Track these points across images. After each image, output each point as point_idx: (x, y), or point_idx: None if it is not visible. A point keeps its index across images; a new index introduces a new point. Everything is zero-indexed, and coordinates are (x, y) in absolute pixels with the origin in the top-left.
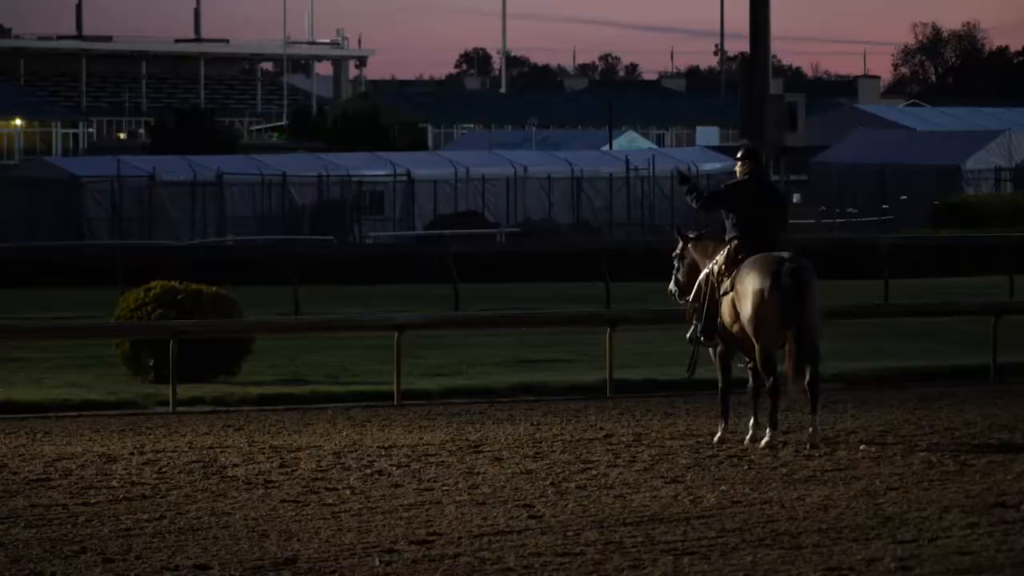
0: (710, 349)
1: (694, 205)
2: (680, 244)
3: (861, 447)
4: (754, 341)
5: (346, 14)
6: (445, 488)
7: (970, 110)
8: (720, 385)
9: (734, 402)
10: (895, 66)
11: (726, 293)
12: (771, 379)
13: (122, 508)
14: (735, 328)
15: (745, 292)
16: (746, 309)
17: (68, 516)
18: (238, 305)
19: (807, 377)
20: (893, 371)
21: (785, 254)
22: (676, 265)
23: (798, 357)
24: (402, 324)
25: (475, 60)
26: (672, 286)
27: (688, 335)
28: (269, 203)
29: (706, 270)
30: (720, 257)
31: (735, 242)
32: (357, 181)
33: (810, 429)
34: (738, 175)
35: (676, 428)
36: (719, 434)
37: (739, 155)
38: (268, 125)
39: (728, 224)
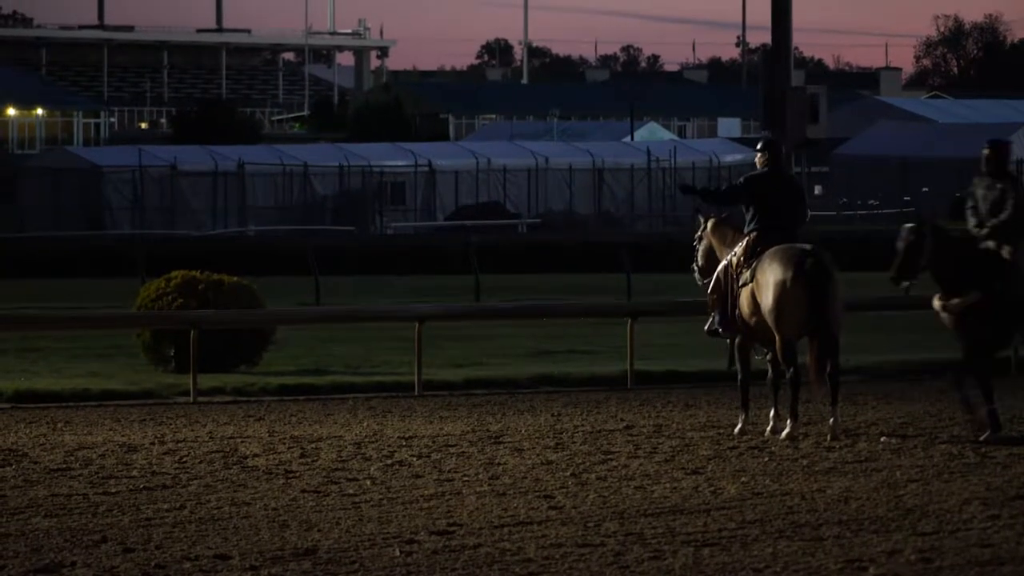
0: (728, 340)
1: (714, 203)
2: (700, 227)
3: (882, 439)
4: (775, 332)
5: (368, 4)
6: (465, 479)
7: (992, 102)
8: (739, 377)
9: (754, 394)
10: (917, 58)
11: (745, 284)
12: (791, 370)
13: (142, 498)
14: (754, 320)
15: (766, 283)
16: (767, 300)
17: (88, 505)
18: (259, 295)
19: (828, 370)
20: (914, 363)
21: (807, 246)
22: (696, 247)
23: (821, 352)
24: (423, 315)
25: (497, 51)
26: (695, 267)
27: (707, 327)
28: (290, 193)
29: (724, 261)
30: (739, 248)
31: (754, 234)
32: (378, 172)
33: (831, 421)
34: (758, 167)
35: (697, 419)
36: (739, 425)
37: (759, 147)
38: (290, 115)
39: (747, 216)
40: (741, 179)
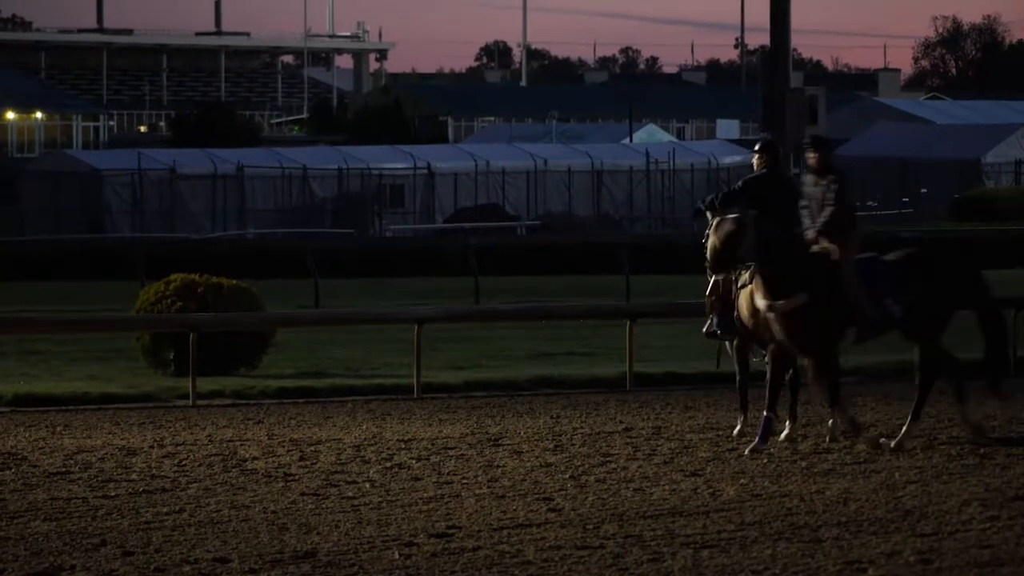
0: (727, 343)
1: (718, 206)
2: (709, 224)
3: (881, 440)
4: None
5: (367, 7)
6: (465, 481)
7: (991, 103)
8: (738, 379)
9: (753, 396)
10: (915, 59)
11: (744, 286)
12: (790, 372)
13: (142, 501)
14: (752, 322)
15: None
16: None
17: (88, 509)
18: (258, 298)
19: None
20: (913, 364)
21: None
22: (704, 243)
23: None
24: (422, 317)
25: (495, 53)
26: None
27: (704, 329)
28: (289, 196)
29: None
30: None
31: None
32: (377, 174)
33: (829, 422)
34: (755, 168)
35: (696, 421)
36: (738, 427)
37: (756, 148)
38: (289, 118)
39: None
40: (739, 183)
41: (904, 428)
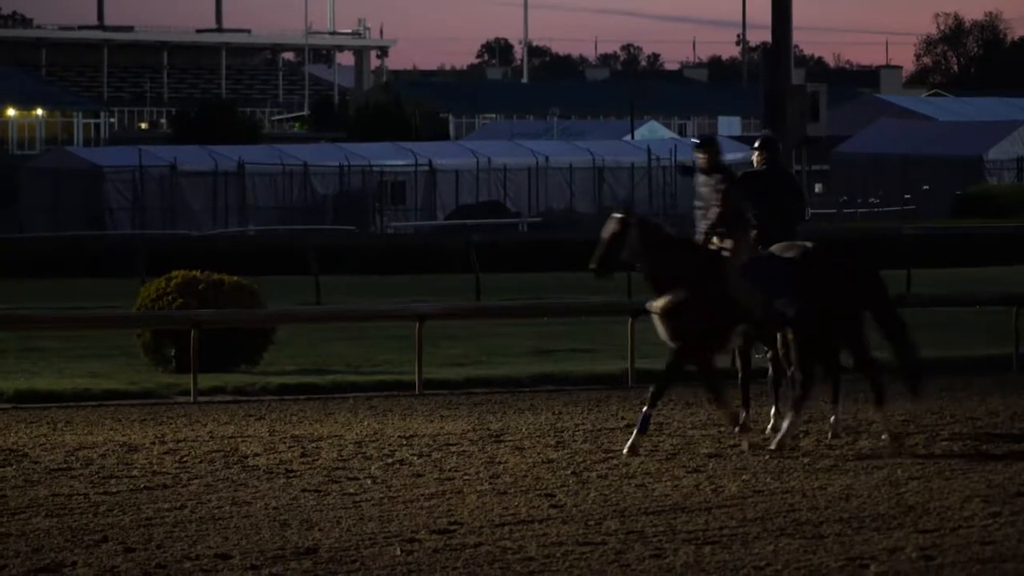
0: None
1: None
2: None
3: (883, 436)
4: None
5: (368, 4)
6: (466, 477)
7: (992, 100)
8: (740, 375)
9: (755, 392)
10: (917, 56)
11: None
12: (792, 368)
13: (143, 497)
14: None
15: None
16: None
17: (89, 505)
18: (259, 295)
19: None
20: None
21: (808, 244)
22: None
23: None
24: (423, 314)
25: (497, 50)
26: None
27: None
28: (291, 193)
29: None
30: None
31: (753, 232)
32: (379, 171)
33: (831, 419)
34: (755, 165)
35: (698, 417)
36: (741, 423)
37: (756, 145)
38: (290, 115)
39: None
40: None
41: (787, 423)
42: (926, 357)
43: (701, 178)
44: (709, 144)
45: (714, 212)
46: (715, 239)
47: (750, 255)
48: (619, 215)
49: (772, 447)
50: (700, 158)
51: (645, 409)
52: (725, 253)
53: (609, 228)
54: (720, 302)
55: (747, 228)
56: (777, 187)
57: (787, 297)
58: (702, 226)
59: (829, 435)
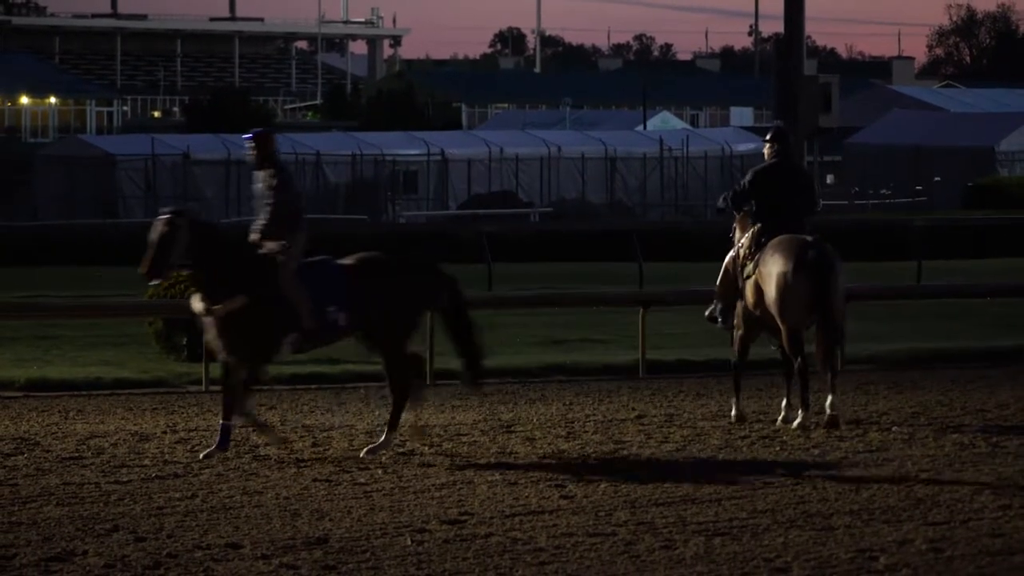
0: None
1: (731, 207)
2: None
3: (893, 428)
4: (780, 323)
5: None
6: (477, 468)
7: (1004, 91)
8: (733, 363)
9: (766, 383)
10: (929, 47)
11: (749, 276)
12: (799, 360)
13: (154, 487)
14: (758, 311)
15: (769, 274)
16: (770, 291)
17: (100, 494)
18: None
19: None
20: (926, 352)
21: (809, 237)
22: (731, 237)
23: (826, 342)
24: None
25: (509, 40)
26: None
27: (707, 312)
28: (303, 182)
29: (732, 252)
30: (745, 240)
31: (759, 225)
32: (391, 160)
33: (827, 410)
34: (766, 157)
35: (708, 409)
36: (734, 411)
37: (767, 137)
38: (302, 104)
39: (755, 207)
40: (748, 177)
41: (384, 437)
42: (936, 348)
43: (257, 173)
44: (260, 138)
45: (267, 210)
46: (265, 240)
47: (303, 259)
48: (167, 215)
49: (363, 452)
50: (251, 152)
51: (224, 422)
52: (280, 256)
53: (157, 230)
54: (276, 307)
55: (302, 228)
56: (786, 180)
57: (339, 305)
58: (256, 225)
59: (822, 425)
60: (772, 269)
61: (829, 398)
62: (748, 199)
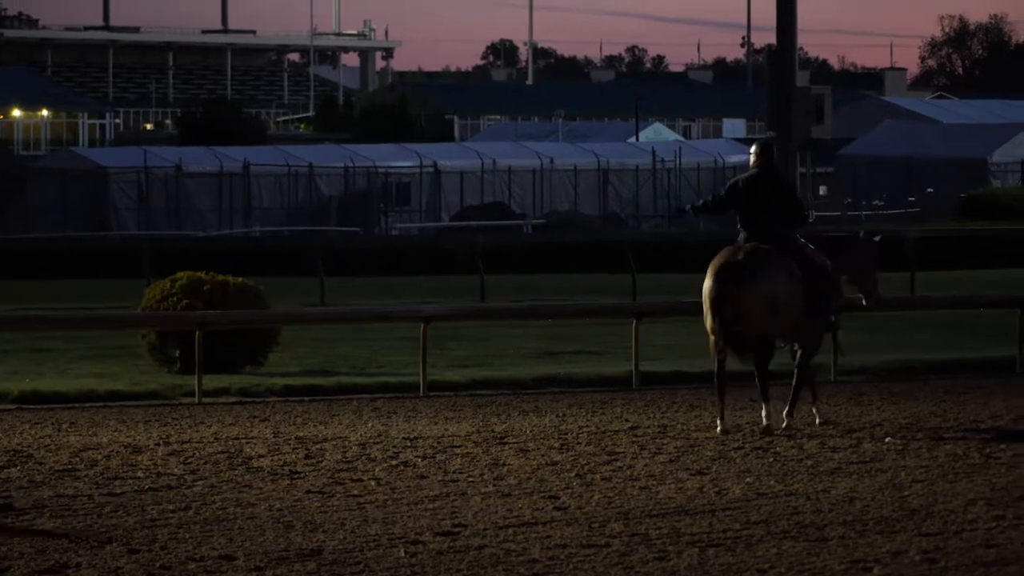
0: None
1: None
2: None
3: (887, 439)
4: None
5: (373, 5)
6: (470, 479)
7: (997, 103)
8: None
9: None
10: (922, 58)
11: None
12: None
13: (148, 499)
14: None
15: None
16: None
17: (94, 506)
18: (264, 296)
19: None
20: (919, 363)
21: (747, 245)
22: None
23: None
24: (428, 315)
25: (502, 52)
26: None
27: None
28: (296, 194)
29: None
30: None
31: (740, 234)
32: (383, 172)
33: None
34: (750, 166)
35: (702, 420)
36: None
37: (753, 149)
38: (295, 116)
39: (737, 217)
40: (725, 187)
41: None
42: (929, 359)
43: None
44: None
45: None
46: None
47: None
48: None
49: None
50: None
51: None
52: None
53: None
54: None
55: None
56: (765, 190)
57: None
58: None
59: (817, 420)
60: (705, 281)
61: (764, 407)
62: (724, 207)
